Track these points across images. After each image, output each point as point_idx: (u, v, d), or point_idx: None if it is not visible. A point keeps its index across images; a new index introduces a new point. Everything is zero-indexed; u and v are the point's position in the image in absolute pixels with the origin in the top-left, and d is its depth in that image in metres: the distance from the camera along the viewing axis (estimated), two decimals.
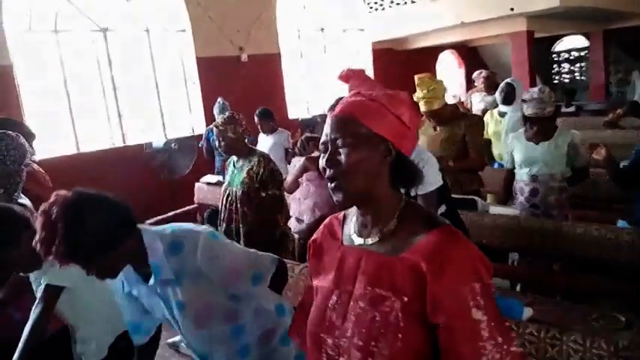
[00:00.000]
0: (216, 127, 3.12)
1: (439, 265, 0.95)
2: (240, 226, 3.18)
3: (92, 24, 6.12)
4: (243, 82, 7.04)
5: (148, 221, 4.86)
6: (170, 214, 5.33)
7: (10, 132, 2.50)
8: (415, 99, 3.67)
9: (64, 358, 2.17)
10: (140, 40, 6.58)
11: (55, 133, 5.86)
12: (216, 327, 1.64)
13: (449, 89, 11.57)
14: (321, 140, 1.11)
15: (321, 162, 1.09)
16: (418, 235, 1.01)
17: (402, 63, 9.65)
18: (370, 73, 9.73)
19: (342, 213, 1.23)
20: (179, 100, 7.08)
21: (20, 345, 1.86)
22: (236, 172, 3.24)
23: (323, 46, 9.08)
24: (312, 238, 1.26)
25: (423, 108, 3.64)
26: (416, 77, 3.61)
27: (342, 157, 1.04)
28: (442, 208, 2.70)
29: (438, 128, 3.70)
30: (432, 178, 2.50)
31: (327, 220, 1.27)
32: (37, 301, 1.95)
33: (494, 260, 3.10)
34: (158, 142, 6.33)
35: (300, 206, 2.78)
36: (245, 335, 1.70)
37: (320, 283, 1.18)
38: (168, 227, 1.62)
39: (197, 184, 5.29)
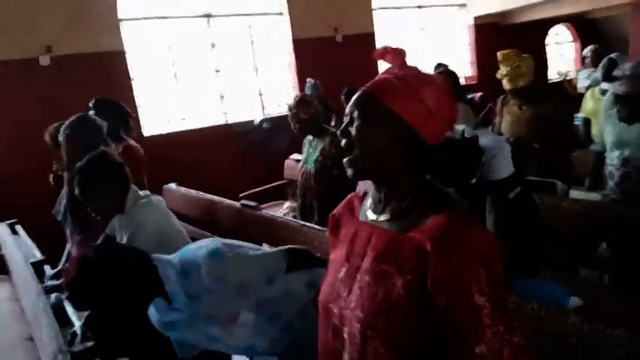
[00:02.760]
0: (289, 110, 3.26)
1: (444, 247, 0.95)
2: (314, 202, 3.31)
3: (197, 10, 6.53)
4: (337, 63, 7.11)
5: (242, 194, 5.17)
6: (261, 188, 5.59)
7: (86, 114, 2.88)
8: (499, 76, 3.54)
9: None
10: (240, 23, 6.91)
11: (164, 113, 6.39)
12: (249, 323, 1.71)
13: (560, 66, 10.76)
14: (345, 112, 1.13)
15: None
16: (428, 215, 1.01)
17: (507, 39, 9.06)
18: (471, 50, 9.36)
19: (363, 190, 1.25)
20: (277, 80, 7.34)
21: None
22: (311, 151, 3.36)
23: (420, 24, 8.87)
24: (332, 212, 1.30)
25: (506, 86, 3.50)
26: (499, 54, 3.47)
27: (353, 131, 1.07)
28: (517, 190, 2.61)
29: (524, 107, 3.54)
30: (504, 167, 2.41)
31: (348, 196, 1.30)
32: None
33: (578, 248, 2.95)
34: (256, 121, 6.66)
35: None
36: (281, 318, 1.75)
37: (334, 257, 1.22)
38: (177, 254, 1.71)
39: (286, 161, 5.51)
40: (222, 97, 6.78)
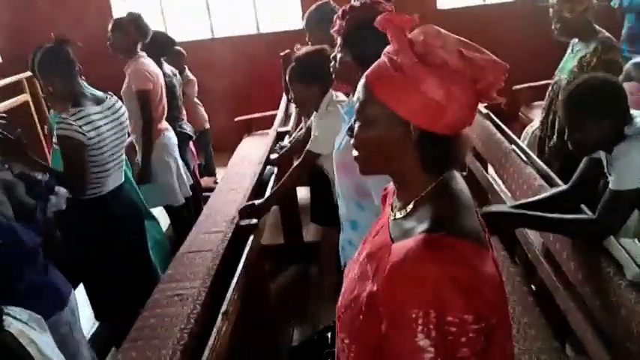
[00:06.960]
0: (551, 7, 2.68)
1: (397, 275, 0.82)
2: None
3: None
4: None
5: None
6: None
7: None
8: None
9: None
10: None
11: None
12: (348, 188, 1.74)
13: None
14: None
15: None
16: (415, 230, 0.86)
17: None
18: None
19: None
20: None
21: (272, 190, 2.44)
22: (570, 58, 2.77)
23: None
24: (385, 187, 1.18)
25: None
26: None
27: (355, 128, 0.95)
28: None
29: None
30: (629, 172, 1.62)
31: None
32: (298, 160, 2.43)
33: None
34: None
35: None
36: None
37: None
38: None
39: None
40: None
